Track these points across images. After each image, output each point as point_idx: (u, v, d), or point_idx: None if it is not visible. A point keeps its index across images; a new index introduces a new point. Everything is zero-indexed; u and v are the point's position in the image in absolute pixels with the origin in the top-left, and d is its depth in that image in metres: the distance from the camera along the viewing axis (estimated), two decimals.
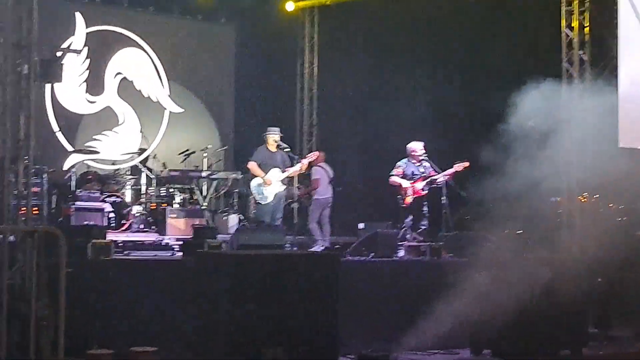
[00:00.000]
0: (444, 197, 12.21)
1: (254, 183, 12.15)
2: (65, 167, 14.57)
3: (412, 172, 12.51)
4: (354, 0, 15.92)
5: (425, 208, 12.48)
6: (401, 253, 11.74)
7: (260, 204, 12.14)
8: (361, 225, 12.96)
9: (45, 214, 12.35)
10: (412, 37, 15.19)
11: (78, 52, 14.94)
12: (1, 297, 7.77)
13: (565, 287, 9.66)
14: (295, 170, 12.23)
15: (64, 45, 15.03)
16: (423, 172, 12.52)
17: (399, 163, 12.64)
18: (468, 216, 13.96)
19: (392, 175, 12.57)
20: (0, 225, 8.40)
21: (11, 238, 8.56)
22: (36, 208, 11.44)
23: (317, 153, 13.48)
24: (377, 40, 15.86)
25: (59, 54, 10.24)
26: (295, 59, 17.50)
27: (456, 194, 12.39)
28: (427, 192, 12.46)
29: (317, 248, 12.47)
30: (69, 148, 15.19)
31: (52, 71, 9.88)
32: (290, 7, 17.01)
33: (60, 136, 15.31)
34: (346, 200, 14.74)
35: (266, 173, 12.04)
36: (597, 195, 12.55)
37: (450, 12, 14.46)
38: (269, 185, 11.99)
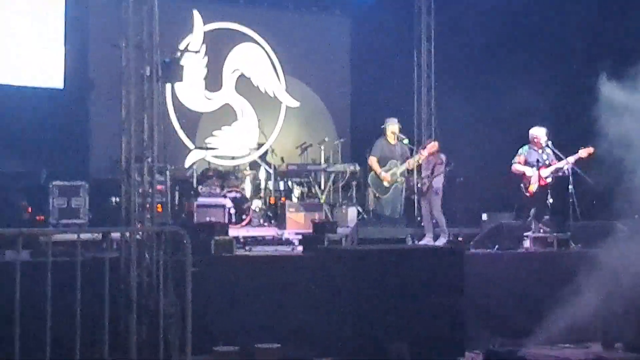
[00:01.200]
0: (570, 185, 11.74)
1: (372, 176, 12.07)
2: (187, 164, 14.86)
3: (536, 159, 12.08)
4: None
5: (549, 197, 12.06)
6: (527, 245, 11.40)
7: (379, 197, 12.04)
8: (484, 217, 12.66)
9: (169, 211, 12.59)
10: (532, 18, 14.74)
11: (197, 52, 15.18)
12: (130, 296, 7.92)
13: None
14: (414, 161, 12.06)
15: (183, 44, 15.35)
16: (546, 159, 12.09)
17: (520, 150, 12.25)
18: (595, 203, 13.49)
19: (515, 163, 12.21)
20: (128, 226, 8.57)
21: (138, 236, 8.74)
22: (160, 205, 11.67)
23: (435, 143, 13.25)
24: (495, 23, 15.43)
25: (178, 55, 10.37)
26: (411, 47, 17.23)
27: (583, 181, 11.92)
28: (551, 180, 12.04)
29: (443, 239, 12.23)
30: (190, 145, 15.47)
31: (172, 72, 10.03)
32: None
33: (181, 134, 15.60)
34: (468, 190, 14.45)
35: (386, 165, 11.95)
36: None
37: None
38: (386, 179, 11.89)
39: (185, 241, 7.05)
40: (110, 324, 6.69)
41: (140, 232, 8.52)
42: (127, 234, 8.70)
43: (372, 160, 12.09)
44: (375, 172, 12.00)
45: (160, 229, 8.29)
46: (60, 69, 9.97)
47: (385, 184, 11.95)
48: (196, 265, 8.10)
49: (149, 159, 9.23)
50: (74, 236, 7.26)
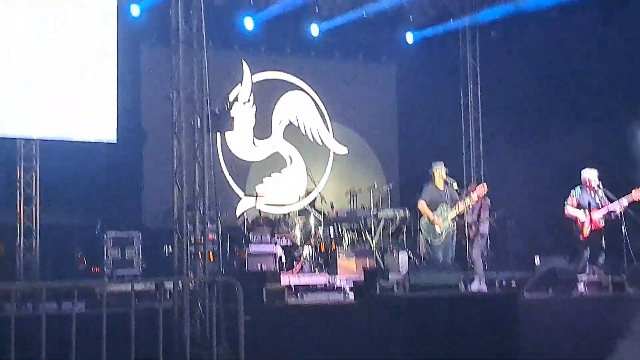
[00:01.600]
0: (623, 227, 11.55)
1: (423, 222, 11.99)
2: (238, 212, 14.97)
3: (587, 201, 11.93)
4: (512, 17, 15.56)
5: (603, 240, 11.89)
6: (581, 288, 11.22)
7: (431, 242, 11.95)
8: (537, 260, 12.49)
9: (220, 260, 12.67)
10: (580, 58, 14.65)
11: (246, 102, 15.40)
12: (184, 346, 7.96)
13: None
14: (464, 205, 11.98)
15: (232, 94, 15.56)
16: (599, 202, 11.93)
17: (572, 192, 12.09)
18: None
19: (567, 205, 12.05)
20: (180, 275, 8.66)
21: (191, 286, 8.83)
22: (212, 254, 11.77)
23: (484, 186, 13.18)
24: (541, 63, 15.36)
25: (228, 104, 10.54)
26: (457, 90, 17.26)
27: (636, 223, 11.73)
28: (604, 222, 11.86)
29: (477, 282, 12.12)
30: (240, 194, 15.60)
31: (223, 122, 10.22)
32: (450, 40, 16.83)
33: (231, 182, 15.75)
34: (519, 233, 14.33)
35: (435, 210, 11.86)
36: None
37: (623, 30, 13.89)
38: (439, 224, 11.81)
39: (237, 290, 7.09)
40: None
41: (193, 282, 8.59)
42: (180, 284, 8.79)
43: (423, 205, 11.99)
44: (428, 217, 11.92)
45: (212, 278, 8.36)
46: (112, 123, 10.19)
47: (438, 228, 11.85)
48: (248, 314, 8.14)
49: (201, 208, 9.35)
50: (128, 287, 7.35)
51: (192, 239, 9.30)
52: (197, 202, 9.42)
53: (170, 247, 10.61)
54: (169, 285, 9.34)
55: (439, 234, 11.84)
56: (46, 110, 10.05)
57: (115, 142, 10.39)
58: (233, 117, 10.35)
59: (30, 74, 9.97)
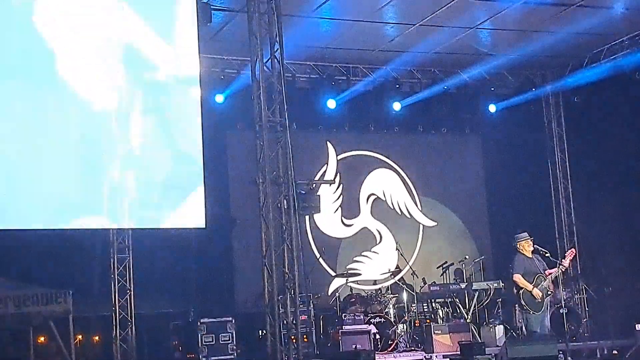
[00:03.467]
0: None
1: (523, 294, 11.80)
2: (330, 291, 14.95)
3: None
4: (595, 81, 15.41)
5: None
6: None
7: (533, 313, 11.73)
8: (638, 327, 12.10)
9: (314, 341, 12.66)
10: None
11: (332, 182, 15.53)
12: None
13: None
14: (556, 272, 11.78)
15: (318, 174, 15.73)
16: None
17: None
18: None
19: None
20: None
21: None
22: (305, 336, 11.77)
23: (573, 251, 12.94)
24: (627, 123, 15.13)
25: (314, 185, 10.67)
26: (544, 157, 17.10)
27: None
28: None
29: None
30: (332, 273, 15.62)
31: (310, 203, 10.35)
32: (533, 109, 16.73)
33: (322, 261, 15.80)
34: (618, 300, 13.92)
35: (530, 281, 11.69)
36: None
37: None
38: (538, 295, 11.61)
39: None
40: None
41: None
42: None
43: (518, 278, 11.81)
44: (527, 289, 11.73)
45: None
46: (201, 209, 10.42)
47: (538, 299, 11.66)
48: None
49: (292, 290, 9.43)
50: None
51: (285, 321, 9.35)
52: (287, 284, 9.49)
53: (264, 332, 10.65)
54: None
55: (538, 304, 11.65)
56: (137, 199, 10.34)
57: (204, 227, 10.57)
58: (320, 197, 10.43)
59: (123, 163, 10.31)
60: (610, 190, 15.16)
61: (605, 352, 11.76)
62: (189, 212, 10.31)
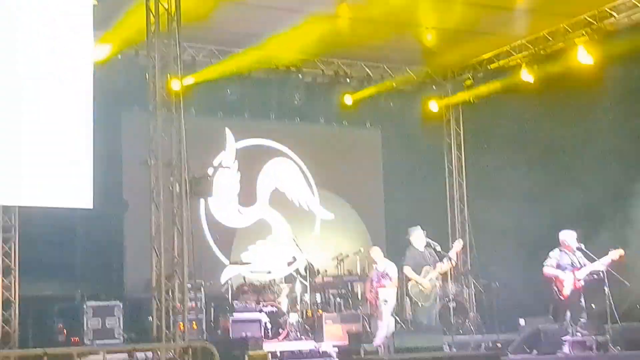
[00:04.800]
0: (606, 287, 11.52)
1: (411, 286, 12.03)
2: (222, 280, 14.82)
3: (567, 262, 11.97)
4: (498, 94, 15.75)
5: (582, 300, 11.89)
6: (565, 349, 11.13)
7: (420, 305, 11.96)
8: (522, 322, 12.43)
9: (204, 328, 12.55)
10: (559, 120, 14.87)
11: (226, 167, 15.38)
12: None
13: None
14: (445, 266, 12.07)
15: (216, 161, 15.57)
16: (578, 262, 11.97)
17: (551, 253, 12.16)
18: (638, 305, 13.23)
19: (546, 266, 12.09)
20: (157, 343, 8.56)
21: (170, 354, 8.72)
22: (195, 322, 11.67)
23: (460, 241, 13.26)
24: (523, 127, 15.60)
25: (209, 171, 10.55)
26: (442, 157, 17.39)
27: (618, 283, 11.72)
28: (584, 283, 11.86)
29: None
30: (225, 261, 15.49)
31: (202, 188, 10.21)
32: (434, 107, 16.98)
33: (215, 249, 15.66)
34: (504, 295, 14.26)
35: (421, 273, 11.94)
36: None
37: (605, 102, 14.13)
38: (426, 287, 11.87)
39: (214, 356, 7.02)
40: None
41: (168, 349, 8.48)
42: (159, 353, 8.68)
43: (408, 270, 12.11)
44: (415, 281, 11.99)
45: (187, 344, 8.24)
46: (89, 190, 10.12)
47: (426, 291, 11.91)
48: None
49: (180, 276, 9.29)
50: (107, 356, 7.26)
51: (173, 307, 9.21)
52: (176, 269, 9.36)
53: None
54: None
55: (427, 296, 11.91)
56: (23, 177, 9.98)
57: (91, 207, 10.28)
58: (212, 182, 10.31)
59: (10, 140, 9.94)
60: (502, 188, 15.52)
61: (490, 345, 12.00)
62: (76, 192, 10.02)
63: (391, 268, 12.63)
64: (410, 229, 12.39)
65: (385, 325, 12.23)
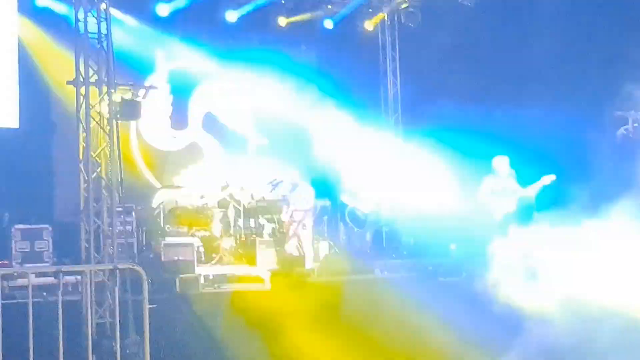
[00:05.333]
0: (534, 213, 11.76)
1: (348, 210, 12.07)
2: (154, 204, 14.65)
3: (500, 187, 12.15)
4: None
5: (514, 223, 12.12)
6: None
7: (355, 230, 12.04)
8: (453, 246, 12.64)
9: (135, 252, 12.43)
10: (495, 30, 14.94)
11: (155, 87, 15.03)
12: (89, 336, 7.76)
13: None
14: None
15: (146, 83, 15.19)
16: (510, 188, 12.16)
17: (485, 179, 12.33)
18: None
19: (480, 192, 12.25)
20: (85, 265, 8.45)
21: (100, 277, 8.62)
22: (126, 246, 11.54)
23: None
24: (461, 52, 15.58)
25: (139, 92, 10.31)
26: (377, 80, 17.33)
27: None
28: (515, 207, 12.08)
29: None
30: (157, 185, 15.30)
31: (132, 109, 9.97)
32: (369, 26, 16.85)
33: (147, 173, 15.43)
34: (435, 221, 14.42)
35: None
36: None
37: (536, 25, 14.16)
38: (362, 211, 11.92)
39: (142, 278, 6.93)
40: None
41: (98, 272, 8.38)
42: (88, 275, 8.57)
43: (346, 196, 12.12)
44: (354, 207, 12.02)
45: (114, 265, 8.13)
46: (14, 108, 9.81)
47: (362, 216, 11.98)
48: (160, 304, 7.99)
49: (109, 199, 9.12)
50: (35, 280, 7.13)
51: (102, 230, 9.08)
52: (104, 192, 9.18)
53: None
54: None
55: (363, 221, 11.97)
56: None
57: (18, 127, 9.99)
58: (140, 103, 10.06)
59: None
60: (436, 118, 15.60)
61: (422, 268, 12.17)
62: (1, 110, 9.71)
63: (307, 191, 12.59)
64: None
65: (309, 249, 12.26)
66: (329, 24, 16.71)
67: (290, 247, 13.10)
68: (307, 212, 12.48)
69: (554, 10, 14.08)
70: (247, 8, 15.84)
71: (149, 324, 7.35)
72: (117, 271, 7.51)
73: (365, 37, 16.96)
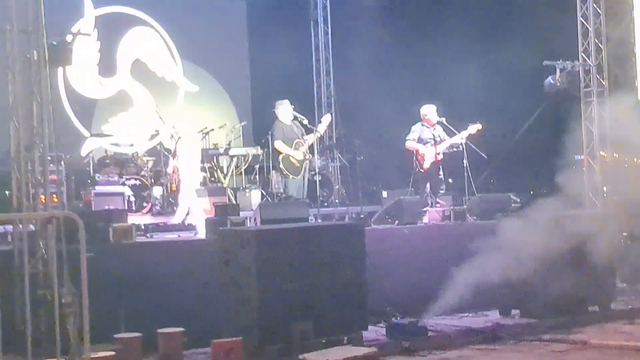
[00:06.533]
0: (465, 160, 12.00)
1: (283, 159, 12.10)
2: (83, 152, 14.46)
3: (428, 136, 12.33)
4: None
5: (441, 172, 12.36)
6: (425, 219, 11.58)
7: (290, 178, 12.09)
8: (384, 194, 12.82)
9: (65, 201, 12.24)
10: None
11: (87, 34, 14.73)
12: (24, 287, 7.67)
13: (593, 244, 9.49)
14: (312, 138, 12.21)
15: (73, 29, 14.85)
16: (438, 136, 12.35)
17: (413, 127, 12.50)
18: (492, 180, 13.85)
19: (408, 140, 12.41)
20: (18, 213, 8.31)
21: (32, 227, 8.50)
22: (55, 195, 11.36)
23: (328, 117, 13.39)
24: (391, 5, 15.70)
25: (68, 38, 10.06)
26: (308, 29, 17.30)
27: (477, 157, 12.22)
28: (443, 156, 12.30)
29: None
30: (85, 133, 15.07)
31: (61, 55, 9.74)
32: None
33: (75, 121, 15.18)
34: (367, 169, 14.61)
35: (292, 146, 12.05)
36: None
37: None
38: (297, 159, 11.98)
39: (78, 226, 6.84)
40: (5, 317, 6.45)
41: (31, 220, 8.26)
42: (20, 225, 8.44)
43: (279, 144, 12.18)
44: (287, 154, 12.06)
45: (51, 214, 8.02)
46: None
47: (296, 163, 12.04)
48: (93, 253, 7.92)
49: (41, 147, 8.96)
50: None
51: (33, 179, 8.92)
52: (35, 140, 9.00)
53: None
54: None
55: (297, 168, 12.03)
56: None
57: None
58: (71, 50, 9.83)
59: None
60: (365, 63, 15.68)
61: (354, 216, 12.34)
62: None
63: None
64: (277, 102, 12.38)
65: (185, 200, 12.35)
66: None
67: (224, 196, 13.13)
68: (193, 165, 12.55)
69: None
70: None
71: None
72: (53, 220, 7.40)
73: None
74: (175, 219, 12.03)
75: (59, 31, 10.32)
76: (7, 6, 9.14)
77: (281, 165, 12.21)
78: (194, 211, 12.80)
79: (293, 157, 12.04)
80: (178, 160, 12.63)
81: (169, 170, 12.95)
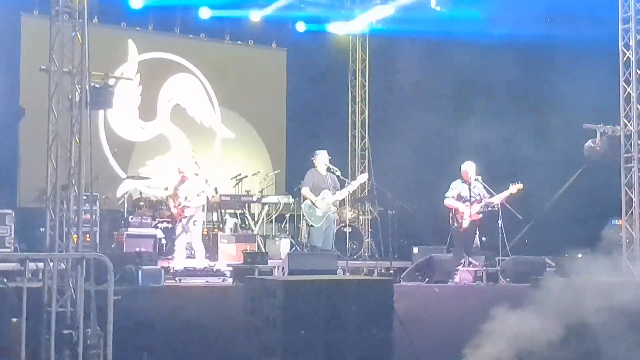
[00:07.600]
0: (500, 220, 11.87)
1: (305, 205, 12.12)
2: (119, 194, 14.60)
3: (467, 194, 12.21)
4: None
5: (478, 232, 12.23)
6: (457, 278, 11.47)
7: (312, 227, 12.07)
8: (415, 250, 12.72)
9: (97, 241, 12.34)
10: (461, 56, 15.11)
11: (130, 79, 15.01)
12: (50, 325, 7.71)
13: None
14: (345, 192, 12.20)
15: (117, 72, 15.13)
16: (477, 194, 12.24)
17: (453, 184, 12.37)
18: (526, 240, 13.72)
19: (447, 197, 12.30)
20: (50, 253, 8.38)
21: (62, 266, 8.55)
22: (88, 235, 11.46)
23: (365, 175, 13.41)
24: (426, 60, 15.80)
25: (110, 81, 10.23)
26: (346, 82, 17.45)
27: (512, 217, 12.10)
28: (481, 215, 12.17)
29: None
30: (122, 175, 15.24)
31: (103, 98, 9.89)
32: (341, 30, 16.95)
33: (113, 163, 15.37)
34: (398, 223, 14.54)
35: (319, 195, 12.05)
36: None
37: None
38: (320, 207, 11.96)
39: (107, 268, 6.91)
40: (30, 355, 6.49)
41: (61, 260, 8.32)
42: (50, 263, 8.50)
43: (306, 191, 12.18)
44: (311, 201, 12.07)
45: (81, 254, 8.09)
46: None
47: (319, 212, 12.03)
48: (121, 295, 7.96)
49: (76, 187, 9.05)
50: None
51: (67, 218, 9.00)
52: (72, 179, 9.10)
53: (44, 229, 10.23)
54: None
55: (319, 218, 12.00)
56: None
57: None
58: (113, 93, 10.00)
59: None
60: (403, 119, 15.74)
61: (383, 270, 12.25)
62: None
63: (199, 186, 12.68)
64: (317, 150, 12.42)
65: (199, 246, 12.36)
66: (300, 26, 16.88)
67: (254, 243, 13.16)
68: (198, 209, 12.56)
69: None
70: (221, 5, 15.87)
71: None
72: (83, 260, 7.45)
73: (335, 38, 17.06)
74: (197, 262, 12.02)
75: (103, 74, 10.51)
76: (52, 47, 9.32)
77: (303, 212, 12.24)
78: (222, 257, 12.86)
79: (316, 205, 12.03)
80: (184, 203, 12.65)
81: (172, 210, 12.95)
